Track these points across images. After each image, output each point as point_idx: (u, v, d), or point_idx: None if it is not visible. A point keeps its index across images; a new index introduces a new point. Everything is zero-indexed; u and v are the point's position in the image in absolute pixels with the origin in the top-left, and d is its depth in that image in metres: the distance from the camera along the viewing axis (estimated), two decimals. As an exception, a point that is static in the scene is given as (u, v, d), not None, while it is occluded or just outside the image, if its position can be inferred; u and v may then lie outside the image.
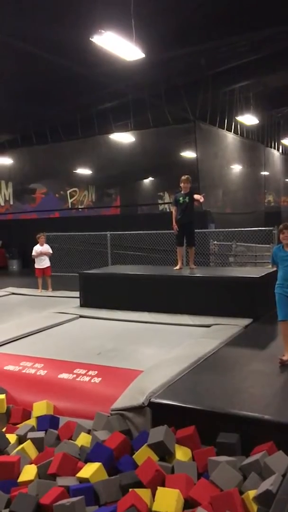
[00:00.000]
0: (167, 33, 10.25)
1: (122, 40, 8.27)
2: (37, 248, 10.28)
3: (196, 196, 7.82)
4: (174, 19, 9.82)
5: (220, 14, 9.83)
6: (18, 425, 4.24)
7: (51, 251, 10.42)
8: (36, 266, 10.29)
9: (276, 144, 24.29)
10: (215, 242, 12.50)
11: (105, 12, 8.04)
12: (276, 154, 24.53)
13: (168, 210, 17.65)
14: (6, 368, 5.13)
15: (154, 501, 3.08)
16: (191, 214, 7.94)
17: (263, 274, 7.05)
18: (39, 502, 3.13)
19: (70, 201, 19.86)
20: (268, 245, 11.33)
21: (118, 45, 8.41)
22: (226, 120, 17.25)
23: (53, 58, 10.54)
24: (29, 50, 10.07)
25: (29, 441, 3.90)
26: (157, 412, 3.87)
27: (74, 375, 4.73)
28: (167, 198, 19.95)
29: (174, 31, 10.36)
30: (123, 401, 4.02)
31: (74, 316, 7.51)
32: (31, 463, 3.67)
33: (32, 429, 4.09)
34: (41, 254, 10.22)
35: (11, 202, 19.67)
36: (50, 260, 10.45)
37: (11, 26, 9.20)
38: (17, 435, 4.05)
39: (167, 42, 10.63)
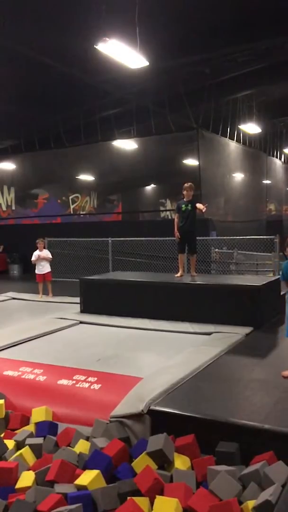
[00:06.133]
0: (171, 41, 10.34)
1: (127, 48, 8.34)
2: (36, 253, 10.28)
3: (198, 205, 7.79)
4: (178, 28, 9.90)
5: (225, 23, 9.91)
6: (16, 431, 4.21)
7: (50, 256, 10.37)
8: (36, 271, 10.27)
9: (278, 153, 24.41)
10: (217, 250, 12.50)
11: (109, 20, 8.12)
12: (278, 163, 24.62)
13: (170, 217, 17.68)
14: (5, 373, 5.10)
15: (152, 510, 3.05)
16: (193, 222, 7.94)
17: (264, 282, 7.04)
18: (37, 509, 3.11)
19: (72, 206, 19.88)
20: (269, 254, 11.32)
21: (123, 53, 8.48)
22: (228, 129, 17.33)
23: (57, 65, 10.63)
24: (33, 57, 10.15)
25: (27, 447, 3.88)
26: (156, 420, 3.85)
27: (74, 381, 4.70)
28: (169, 205, 19.98)
29: (178, 40, 10.45)
30: (122, 408, 4.00)
31: (74, 322, 7.49)
32: (29, 470, 3.65)
33: (30, 435, 4.06)
34: (40, 259, 10.21)
35: (13, 207, 19.71)
36: (51, 266, 10.43)
37: (17, 34, 9.29)
38: (15, 441, 4.02)
39: (171, 50, 10.72)
